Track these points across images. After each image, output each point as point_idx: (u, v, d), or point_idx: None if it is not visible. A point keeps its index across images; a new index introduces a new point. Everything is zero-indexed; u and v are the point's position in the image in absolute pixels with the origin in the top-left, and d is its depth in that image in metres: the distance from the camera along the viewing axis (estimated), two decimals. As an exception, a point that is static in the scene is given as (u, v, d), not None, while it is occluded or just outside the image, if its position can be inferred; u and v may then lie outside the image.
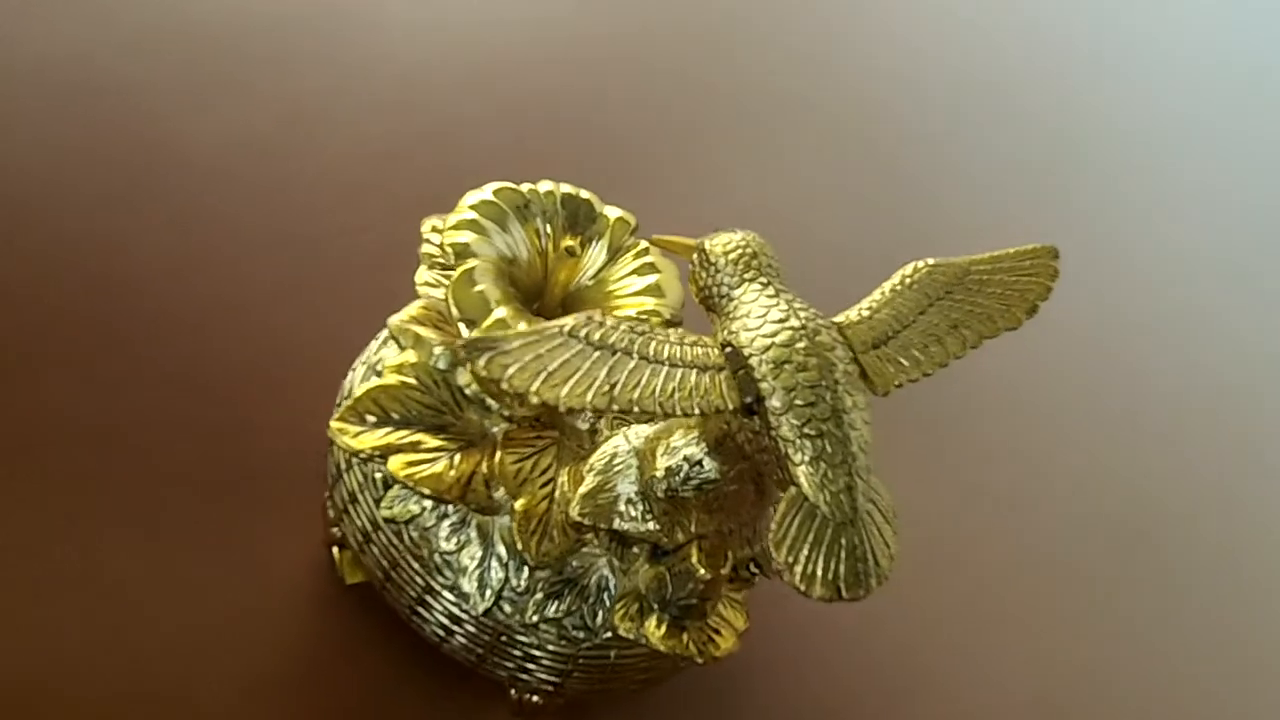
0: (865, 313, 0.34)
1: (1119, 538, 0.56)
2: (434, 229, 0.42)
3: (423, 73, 0.63)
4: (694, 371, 0.31)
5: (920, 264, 0.35)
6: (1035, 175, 0.71)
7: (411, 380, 0.38)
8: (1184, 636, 0.53)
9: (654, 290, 0.40)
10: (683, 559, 0.36)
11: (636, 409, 0.30)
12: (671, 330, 0.32)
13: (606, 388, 0.29)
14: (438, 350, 0.38)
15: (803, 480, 0.31)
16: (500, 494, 0.37)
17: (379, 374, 0.41)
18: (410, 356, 0.38)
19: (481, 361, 0.28)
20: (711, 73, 0.69)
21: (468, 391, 0.38)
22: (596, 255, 0.41)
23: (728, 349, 0.32)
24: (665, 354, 0.31)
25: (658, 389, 0.30)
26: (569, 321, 0.30)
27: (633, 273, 0.41)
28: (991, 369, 0.60)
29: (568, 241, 0.39)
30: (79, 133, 0.54)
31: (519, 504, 0.36)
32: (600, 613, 0.38)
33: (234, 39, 0.60)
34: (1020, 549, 0.54)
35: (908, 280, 0.35)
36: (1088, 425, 0.60)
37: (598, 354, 0.30)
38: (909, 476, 0.54)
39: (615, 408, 0.30)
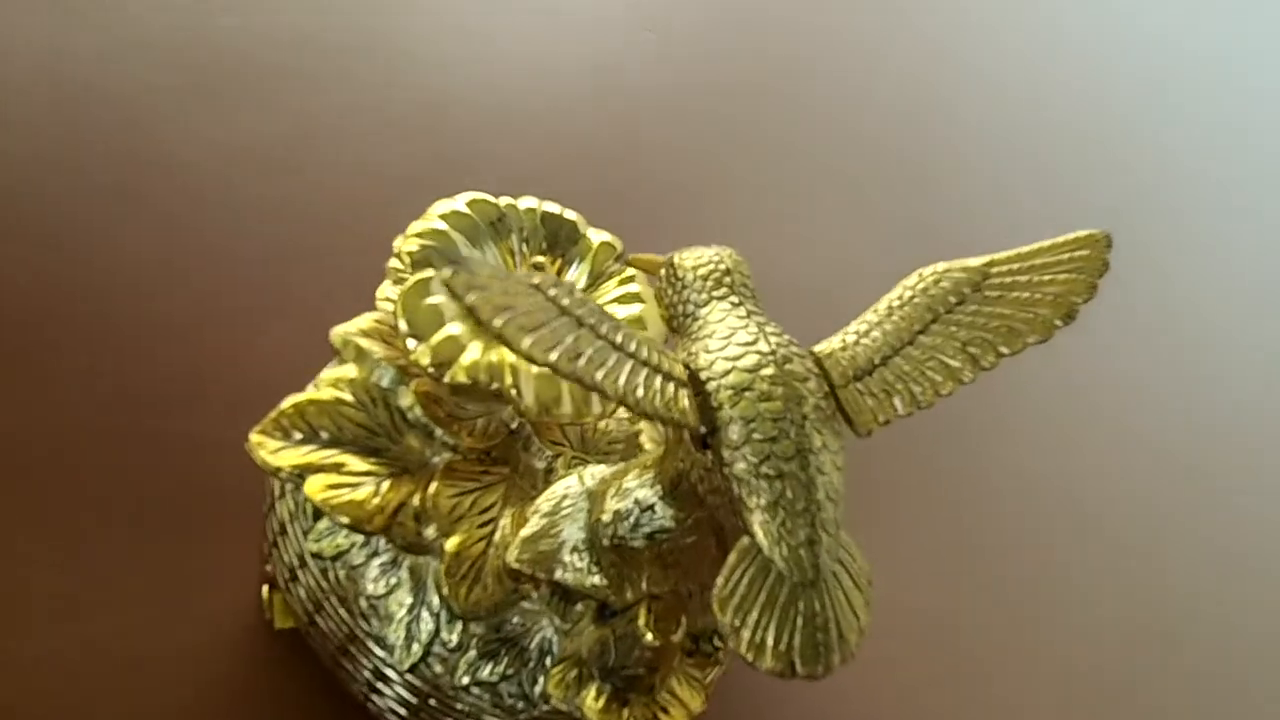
0: (851, 338, 0.29)
1: (1135, 639, 0.50)
2: (403, 239, 0.38)
3: (443, 102, 0.60)
4: (659, 375, 0.27)
5: (927, 271, 0.30)
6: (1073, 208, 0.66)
7: (347, 396, 0.34)
8: None
9: (635, 323, 0.36)
10: (630, 621, 0.31)
11: (595, 389, 0.25)
12: (639, 331, 0.27)
13: (575, 354, 0.25)
14: (381, 368, 0.34)
15: (757, 529, 0.26)
16: (431, 531, 0.32)
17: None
18: (350, 371, 0.34)
19: (448, 272, 0.24)
20: (743, 121, 0.66)
21: (409, 415, 0.34)
22: (577, 279, 0.37)
23: (687, 370, 0.28)
24: (632, 347, 0.27)
25: (620, 377, 0.26)
26: (541, 278, 0.26)
27: (615, 300, 0.36)
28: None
29: (537, 259, 0.35)
30: (80, 135, 0.52)
31: (450, 543, 0.32)
32: (540, 679, 0.33)
33: (256, 51, 0.58)
34: (1023, 640, 0.48)
35: (910, 293, 0.29)
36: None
37: (565, 318, 0.26)
38: (901, 540, 0.49)
39: (577, 377, 0.25)
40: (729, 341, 0.28)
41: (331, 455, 0.33)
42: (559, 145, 0.60)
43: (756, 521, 0.26)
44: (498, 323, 0.24)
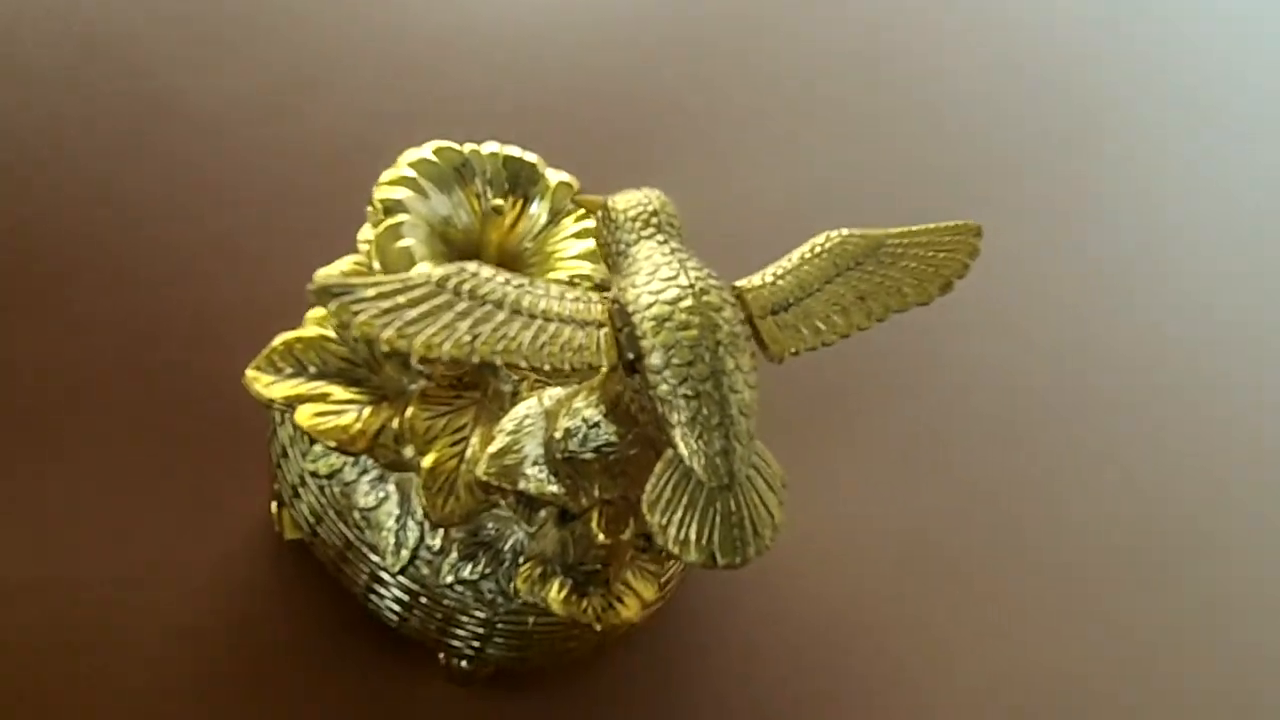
0: (769, 278, 0.33)
1: (1108, 537, 0.53)
2: (383, 182, 0.42)
3: (433, 46, 0.63)
4: (569, 326, 0.30)
5: (834, 233, 0.34)
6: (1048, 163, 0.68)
7: (330, 333, 0.37)
8: (1172, 639, 0.50)
9: (591, 254, 0.39)
10: (586, 523, 0.36)
11: (500, 360, 0.29)
12: (554, 285, 0.31)
13: (468, 338, 0.29)
14: (359, 304, 0.38)
15: (678, 441, 0.30)
16: (409, 450, 0.36)
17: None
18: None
19: (332, 306, 0.28)
20: (723, 65, 0.68)
21: (386, 349, 0.37)
22: (537, 217, 0.40)
23: (615, 305, 0.31)
24: (540, 308, 0.30)
25: (525, 342, 0.30)
26: (440, 272, 0.30)
27: (572, 235, 0.40)
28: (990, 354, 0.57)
29: (495, 201, 0.38)
30: (75, 81, 0.56)
31: (426, 460, 0.36)
32: (515, 578, 0.38)
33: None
34: (1000, 544, 0.52)
35: (819, 248, 0.34)
36: (1074, 416, 0.57)
37: (465, 305, 0.30)
38: (886, 463, 0.53)
39: (476, 359, 0.29)
40: (653, 277, 0.31)
41: (318, 387, 0.37)
42: (551, 83, 0.63)
43: (678, 435, 0.30)
44: (388, 334, 0.28)
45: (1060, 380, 0.58)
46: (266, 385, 0.37)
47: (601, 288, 0.38)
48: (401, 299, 0.29)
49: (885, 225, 0.35)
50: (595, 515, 0.35)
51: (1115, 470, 0.55)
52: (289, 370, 0.37)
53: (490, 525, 0.38)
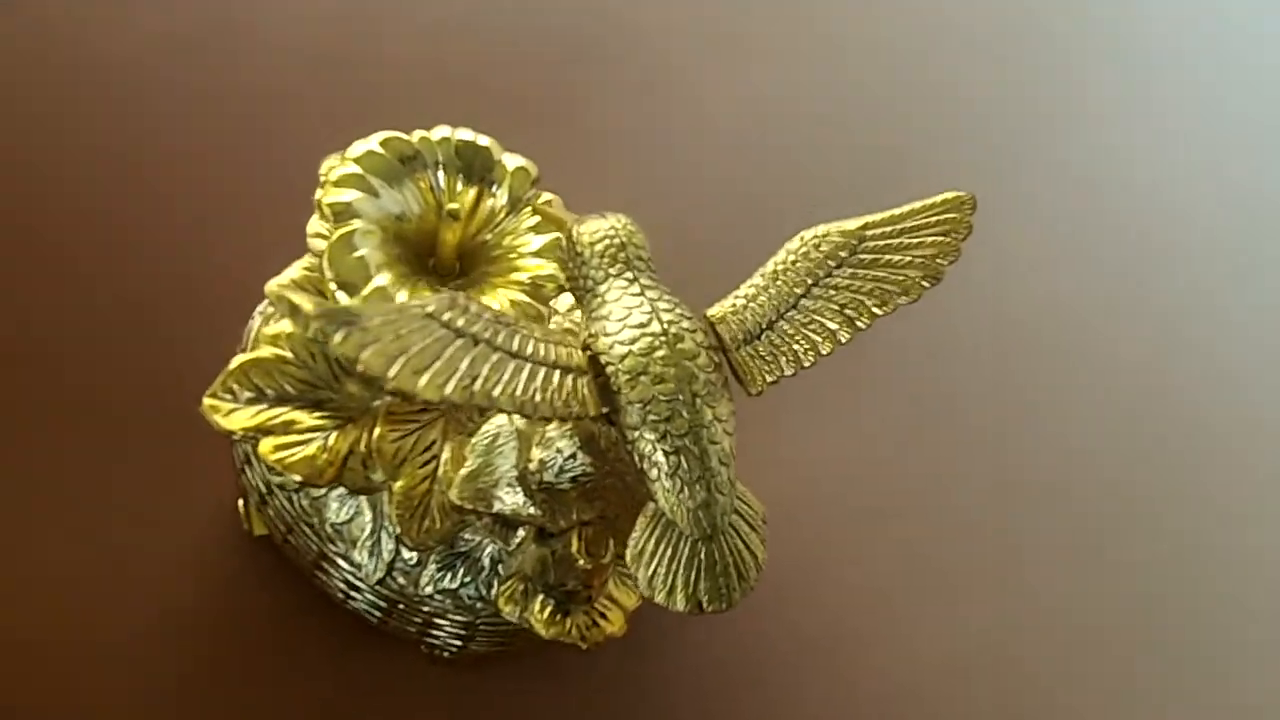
0: (741, 301, 0.32)
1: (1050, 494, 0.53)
2: (329, 168, 0.39)
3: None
4: (556, 372, 0.29)
5: (807, 234, 0.32)
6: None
7: (286, 353, 0.36)
8: (1186, 586, 0.51)
9: (551, 249, 0.37)
10: (564, 546, 0.35)
11: (494, 407, 0.28)
12: (536, 326, 0.30)
13: (468, 380, 0.28)
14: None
15: (660, 497, 0.30)
16: (379, 475, 0.35)
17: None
18: (286, 326, 0.36)
19: (337, 338, 0.27)
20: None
21: (345, 364, 0.36)
22: (495, 206, 0.38)
23: (588, 352, 0.30)
24: (529, 350, 0.29)
25: (518, 388, 0.28)
26: (431, 303, 0.28)
27: (531, 229, 0.38)
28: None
29: (451, 205, 0.37)
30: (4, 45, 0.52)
31: (397, 486, 0.35)
32: (494, 584, 0.38)
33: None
34: (953, 506, 0.52)
35: (792, 256, 0.32)
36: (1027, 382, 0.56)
37: (460, 341, 0.28)
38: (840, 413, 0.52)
39: (474, 403, 0.28)
40: (624, 324, 0.30)
41: (280, 414, 0.35)
42: (487, 31, 0.59)
43: (658, 491, 0.29)
44: (391, 373, 0.27)
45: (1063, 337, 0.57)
46: (226, 415, 0.35)
47: (565, 288, 0.37)
48: (403, 329, 0.28)
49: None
50: (575, 538, 0.35)
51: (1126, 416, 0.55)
52: (248, 395, 0.36)
53: (466, 535, 0.37)
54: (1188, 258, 0.60)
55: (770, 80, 0.60)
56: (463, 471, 0.35)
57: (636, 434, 0.30)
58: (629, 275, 0.31)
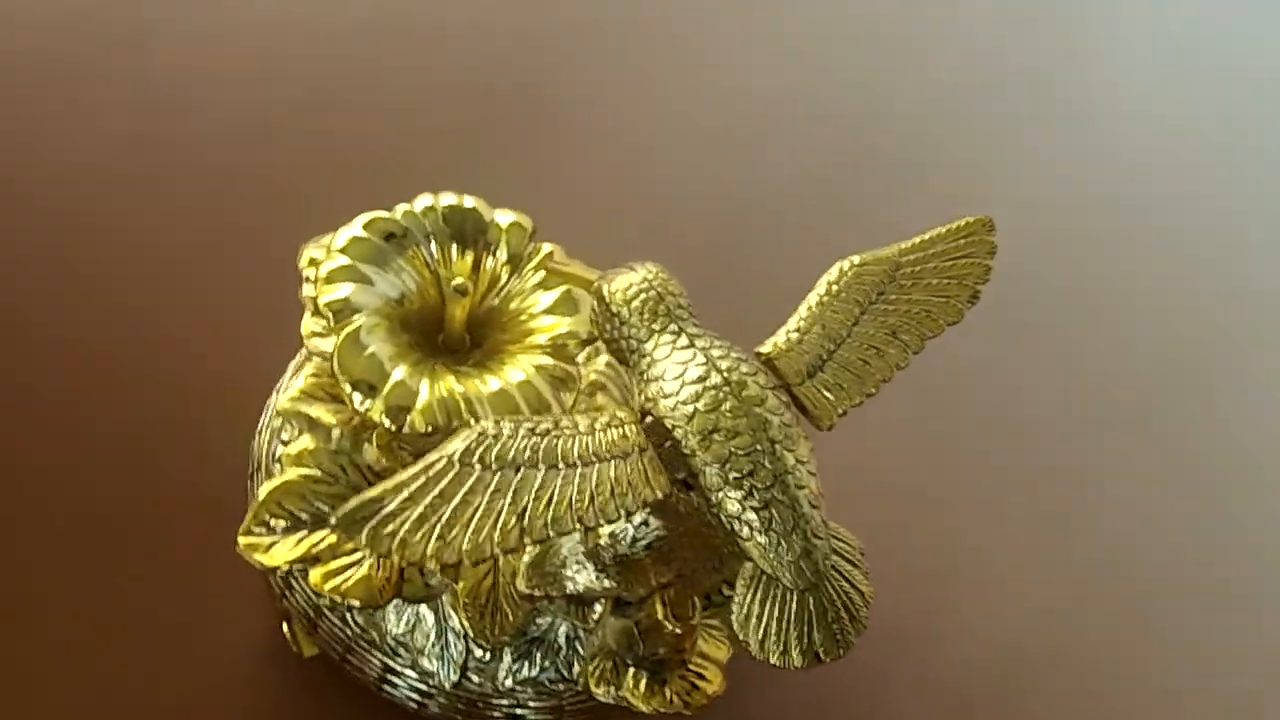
0: (794, 336, 0.30)
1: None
2: (312, 262, 0.37)
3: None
4: (612, 464, 0.27)
5: (845, 265, 0.31)
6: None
7: (313, 471, 0.34)
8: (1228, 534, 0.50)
9: (565, 303, 0.35)
10: (649, 614, 0.33)
11: (553, 534, 0.26)
12: (579, 417, 0.28)
13: (513, 523, 0.26)
14: (336, 432, 0.34)
15: (756, 555, 0.28)
16: (437, 580, 0.33)
17: (284, 440, 0.37)
18: (307, 442, 0.34)
19: (364, 538, 0.25)
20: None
21: (379, 469, 0.34)
22: (496, 270, 0.36)
23: (648, 419, 0.28)
24: (576, 452, 0.27)
25: (572, 499, 0.26)
26: (457, 445, 0.26)
27: (538, 286, 0.36)
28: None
29: (457, 280, 0.34)
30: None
31: (462, 588, 0.33)
32: (575, 663, 0.36)
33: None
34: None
35: (834, 288, 0.31)
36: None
37: (499, 476, 0.26)
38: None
39: (528, 540, 0.26)
40: (682, 381, 0.28)
41: (323, 538, 0.33)
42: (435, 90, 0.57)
43: (754, 550, 0.28)
44: (432, 551, 0.25)
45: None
46: (266, 551, 0.33)
47: (590, 340, 0.35)
48: (431, 494, 0.25)
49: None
50: (658, 604, 0.33)
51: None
52: (284, 524, 0.33)
53: (539, 620, 0.35)
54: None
55: (746, 78, 0.58)
56: (526, 559, 0.33)
57: (720, 495, 0.28)
58: (674, 328, 0.29)
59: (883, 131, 0.57)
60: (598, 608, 0.34)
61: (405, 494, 0.25)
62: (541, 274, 0.36)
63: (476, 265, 0.36)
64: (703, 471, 0.28)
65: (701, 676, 0.34)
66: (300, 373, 0.39)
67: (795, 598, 0.28)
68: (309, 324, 0.36)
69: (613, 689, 0.34)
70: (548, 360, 0.34)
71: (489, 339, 0.36)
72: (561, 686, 0.36)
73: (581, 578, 0.32)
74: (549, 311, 0.35)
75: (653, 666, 0.34)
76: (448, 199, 0.36)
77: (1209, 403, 0.52)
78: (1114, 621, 0.47)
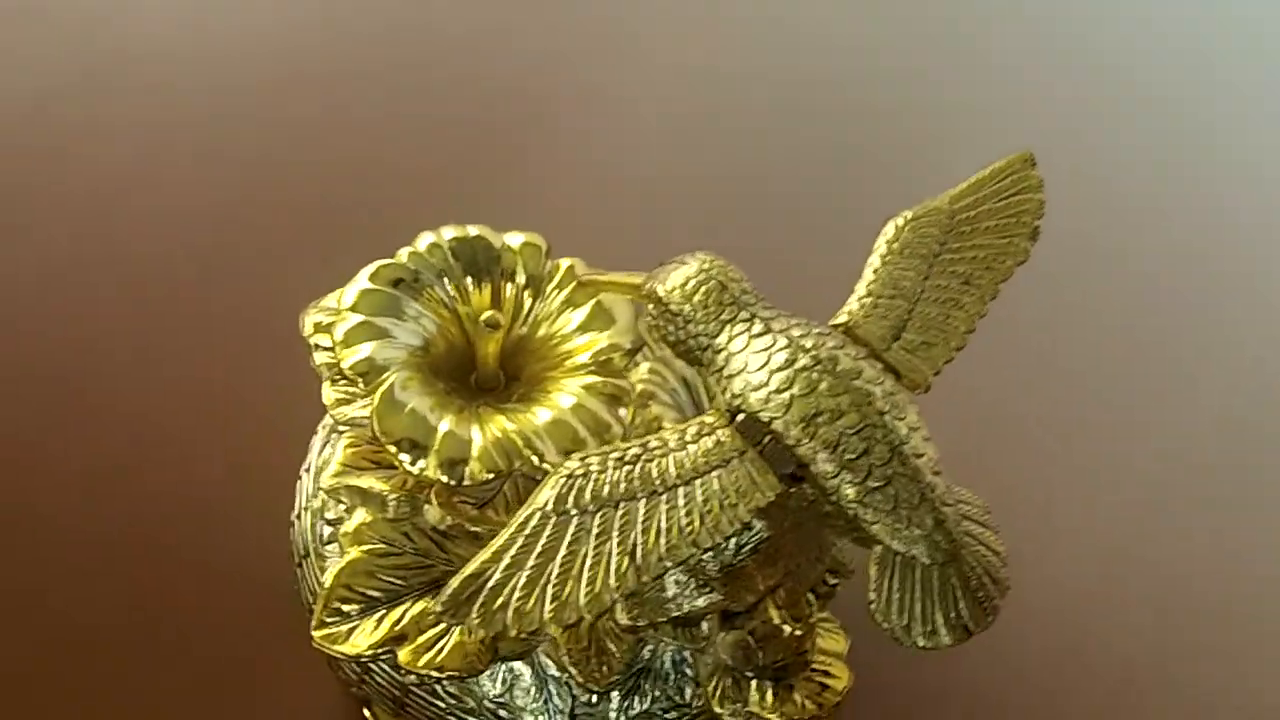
0: (868, 301, 0.28)
1: None
2: (317, 328, 0.35)
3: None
4: (715, 475, 0.25)
5: (899, 221, 0.29)
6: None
7: (377, 545, 0.31)
8: None
9: (598, 317, 0.33)
10: (762, 621, 0.31)
11: (670, 565, 0.24)
12: (666, 433, 0.26)
13: (626, 564, 0.24)
14: (392, 499, 0.31)
15: (885, 537, 0.26)
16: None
17: (329, 520, 0.35)
18: (363, 517, 0.32)
19: (475, 618, 0.23)
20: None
21: (444, 528, 0.32)
22: (518, 297, 0.34)
23: (739, 418, 0.26)
24: (673, 472, 0.25)
25: (682, 523, 0.25)
26: (547, 494, 0.24)
27: (566, 305, 0.34)
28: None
29: (486, 314, 0.32)
30: None
31: (560, 635, 0.31)
32: (686, 687, 0.34)
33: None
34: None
35: (894, 245, 0.29)
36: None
37: (599, 517, 0.24)
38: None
39: (646, 579, 0.24)
40: (768, 369, 0.26)
41: (404, 612, 0.31)
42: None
43: (884, 532, 0.26)
44: (545, 617, 0.24)
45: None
46: (346, 640, 0.31)
47: (633, 350, 0.33)
48: (534, 554, 0.23)
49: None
50: (772, 610, 0.31)
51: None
52: (357, 608, 0.31)
53: (642, 651, 0.33)
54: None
55: (725, 58, 0.56)
56: (621, 590, 0.31)
57: (836, 481, 0.26)
58: (745, 315, 0.27)
59: (882, 98, 0.56)
60: (704, 625, 0.32)
61: (506, 560, 0.23)
62: (566, 292, 0.34)
63: (496, 295, 0.34)
64: (812, 461, 0.26)
65: (828, 674, 0.33)
66: (329, 446, 0.36)
67: (935, 574, 0.26)
68: (330, 393, 0.34)
69: (739, 706, 0.32)
70: (595, 379, 0.32)
71: (526, 370, 0.34)
72: (674, 715, 0.34)
73: (685, 599, 0.31)
74: (582, 329, 0.33)
75: (776, 674, 0.32)
76: (450, 232, 0.34)
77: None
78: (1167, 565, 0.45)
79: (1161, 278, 0.53)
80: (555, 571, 0.24)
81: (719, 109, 0.55)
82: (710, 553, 0.30)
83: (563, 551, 0.24)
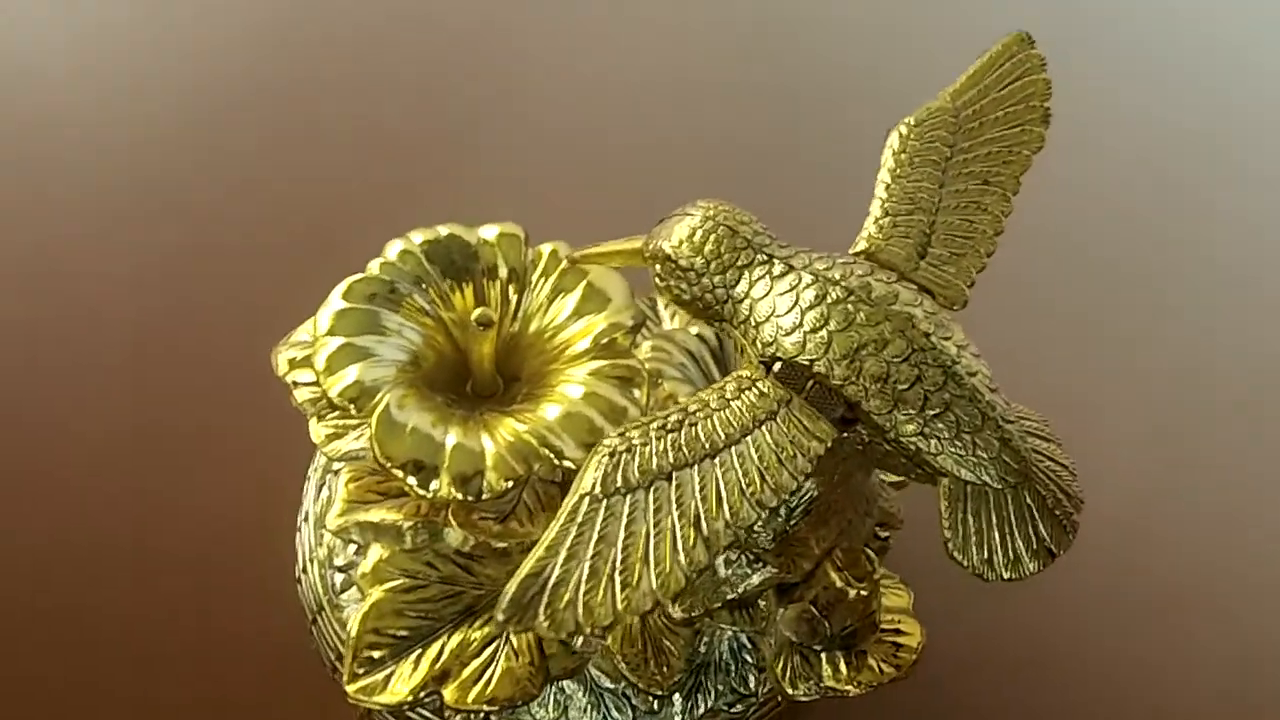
0: (885, 221, 0.26)
1: None
2: (291, 364, 0.32)
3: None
4: (765, 430, 0.23)
5: (901, 129, 0.27)
6: None
7: (399, 581, 0.29)
8: None
9: (592, 299, 0.31)
10: (824, 587, 0.29)
11: (739, 530, 0.22)
12: (708, 393, 0.24)
13: (693, 536, 0.22)
14: (407, 528, 0.29)
15: (952, 467, 0.24)
16: (579, 643, 0.29)
17: (339, 567, 0.32)
18: (379, 553, 0.29)
19: (542, 620, 0.20)
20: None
21: (467, 549, 0.29)
22: (504, 292, 0.32)
23: (776, 364, 0.24)
24: (722, 432, 0.23)
25: (742, 485, 0.22)
26: (593, 477, 0.22)
27: (555, 292, 0.32)
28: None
29: (476, 312, 0.30)
30: None
31: (610, 642, 0.28)
32: (749, 676, 0.31)
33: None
34: None
35: (902, 156, 0.27)
36: None
37: (653, 491, 0.22)
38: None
39: (716, 549, 0.22)
40: (799, 309, 0.24)
41: (441, 648, 0.28)
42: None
43: (949, 463, 0.24)
44: (619, 609, 0.21)
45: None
46: (385, 690, 0.28)
47: (636, 326, 0.31)
48: (592, 542, 0.21)
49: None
50: (833, 574, 0.29)
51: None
52: (389, 652, 0.28)
53: (698, 644, 0.31)
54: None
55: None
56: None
57: (892, 416, 0.24)
58: (762, 258, 0.25)
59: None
60: (761, 604, 0.30)
61: (563, 554, 0.21)
62: (553, 279, 0.32)
63: (479, 294, 0.32)
64: (863, 398, 0.24)
65: (899, 632, 0.30)
66: (325, 488, 0.34)
67: (1009, 498, 0.24)
68: (319, 430, 0.32)
69: (812, 684, 0.30)
70: (600, 363, 0.30)
71: (525, 368, 0.32)
72: (741, 707, 0.32)
73: (738, 578, 0.28)
74: (577, 314, 0.31)
75: (845, 642, 0.30)
76: (420, 236, 0.32)
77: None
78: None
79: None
80: (619, 558, 0.21)
81: (685, 65, 0.53)
82: (761, 521, 0.27)
83: (622, 535, 0.21)
